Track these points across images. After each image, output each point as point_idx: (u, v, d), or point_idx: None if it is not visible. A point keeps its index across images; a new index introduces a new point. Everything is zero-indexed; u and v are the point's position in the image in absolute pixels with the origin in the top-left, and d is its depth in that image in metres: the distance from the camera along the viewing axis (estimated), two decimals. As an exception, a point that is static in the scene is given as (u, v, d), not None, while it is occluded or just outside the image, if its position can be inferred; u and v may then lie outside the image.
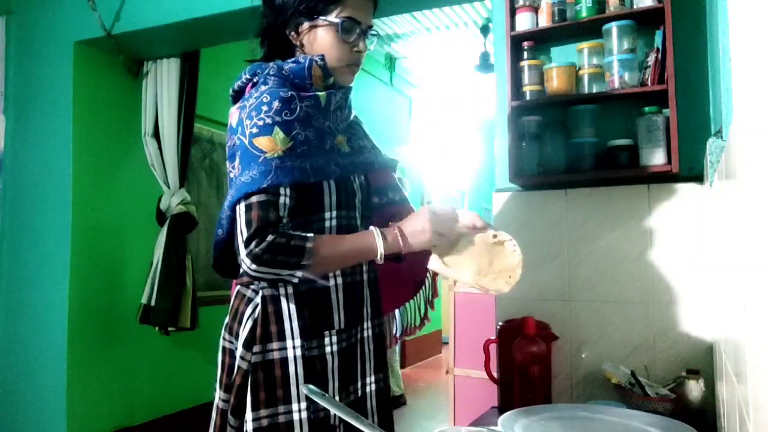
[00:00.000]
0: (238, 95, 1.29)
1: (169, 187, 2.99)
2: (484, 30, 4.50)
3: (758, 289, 0.56)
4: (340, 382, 1.21)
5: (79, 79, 2.82)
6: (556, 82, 1.76)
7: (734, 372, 0.90)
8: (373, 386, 1.28)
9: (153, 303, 2.85)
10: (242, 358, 1.18)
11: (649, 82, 1.63)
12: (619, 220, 1.72)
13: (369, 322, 1.30)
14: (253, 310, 1.20)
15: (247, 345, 1.18)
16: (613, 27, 1.68)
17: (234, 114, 1.22)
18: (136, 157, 3.03)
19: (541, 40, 1.84)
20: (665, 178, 1.65)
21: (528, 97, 1.78)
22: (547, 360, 1.62)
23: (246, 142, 1.16)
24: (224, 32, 2.72)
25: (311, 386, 0.98)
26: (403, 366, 5.09)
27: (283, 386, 1.16)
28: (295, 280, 1.14)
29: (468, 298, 2.95)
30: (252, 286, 1.22)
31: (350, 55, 1.27)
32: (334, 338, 1.21)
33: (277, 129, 1.14)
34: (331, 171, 1.21)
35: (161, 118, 2.98)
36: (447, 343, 3.46)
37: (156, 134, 2.99)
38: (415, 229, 1.19)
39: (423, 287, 1.54)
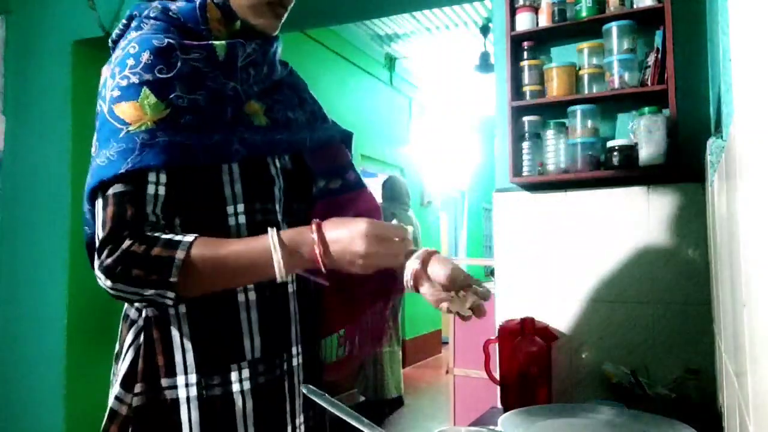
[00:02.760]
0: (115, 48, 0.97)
1: (168, 187, 2.98)
2: (484, 30, 4.51)
3: (758, 289, 0.55)
4: (257, 429, 0.92)
5: (77, 78, 2.82)
6: (556, 81, 1.76)
7: (734, 372, 0.90)
8: (304, 427, 1.01)
9: (152, 303, 2.84)
10: (119, 399, 0.90)
11: (649, 82, 1.63)
12: (619, 220, 1.72)
13: (298, 347, 0.99)
14: (136, 337, 0.92)
15: (126, 383, 0.90)
16: (613, 27, 1.67)
17: (103, 73, 0.94)
18: (135, 156, 3.02)
19: (541, 40, 1.83)
20: (665, 178, 1.65)
21: (528, 97, 1.78)
22: (547, 360, 1.62)
23: (105, 109, 0.89)
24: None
25: (311, 386, 0.90)
26: (403, 366, 5.09)
27: None
28: (170, 303, 0.84)
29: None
30: (135, 305, 0.93)
31: None
32: (245, 372, 0.91)
33: (146, 91, 0.85)
34: (232, 151, 0.90)
35: (161, 118, 2.96)
36: (447, 343, 3.46)
37: (155, 134, 2.98)
38: (341, 236, 0.84)
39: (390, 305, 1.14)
